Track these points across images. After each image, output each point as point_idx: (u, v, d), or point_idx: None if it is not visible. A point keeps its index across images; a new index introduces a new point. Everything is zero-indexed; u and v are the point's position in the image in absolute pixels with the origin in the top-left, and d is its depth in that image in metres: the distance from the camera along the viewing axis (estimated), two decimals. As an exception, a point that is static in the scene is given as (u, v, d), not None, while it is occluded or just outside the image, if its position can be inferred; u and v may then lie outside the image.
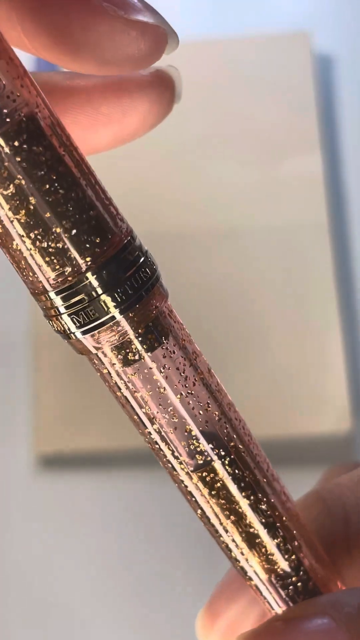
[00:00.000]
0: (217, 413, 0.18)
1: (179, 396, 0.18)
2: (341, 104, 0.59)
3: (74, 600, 0.49)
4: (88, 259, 0.16)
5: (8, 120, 0.14)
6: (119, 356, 0.17)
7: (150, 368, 0.17)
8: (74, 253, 0.16)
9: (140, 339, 0.17)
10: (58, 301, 0.16)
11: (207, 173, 0.56)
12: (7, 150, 0.14)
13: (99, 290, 0.16)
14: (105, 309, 0.16)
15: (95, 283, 0.16)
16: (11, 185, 0.15)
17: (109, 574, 0.50)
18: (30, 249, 0.16)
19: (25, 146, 0.15)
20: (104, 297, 0.16)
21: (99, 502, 0.51)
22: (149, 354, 0.17)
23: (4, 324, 0.55)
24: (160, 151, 0.55)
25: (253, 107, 0.57)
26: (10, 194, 0.15)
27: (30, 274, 0.16)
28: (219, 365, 0.57)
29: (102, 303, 0.16)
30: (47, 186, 0.15)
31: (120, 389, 0.18)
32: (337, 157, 0.58)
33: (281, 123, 0.56)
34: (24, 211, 0.15)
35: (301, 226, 0.54)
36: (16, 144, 0.14)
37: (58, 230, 0.15)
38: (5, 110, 0.14)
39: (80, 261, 0.16)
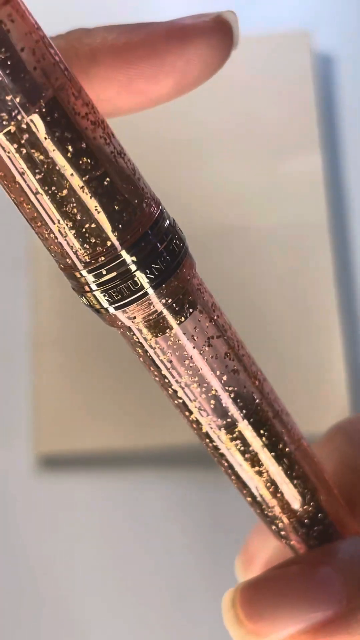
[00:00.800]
0: (241, 369, 0.19)
1: (208, 357, 0.18)
2: (341, 103, 0.59)
3: (74, 600, 0.49)
4: (123, 235, 0.16)
5: (42, 97, 0.14)
6: (150, 327, 0.17)
7: (183, 334, 0.17)
8: (108, 231, 0.15)
9: (171, 309, 0.17)
10: (90, 278, 0.16)
11: (207, 172, 0.56)
12: (43, 128, 0.14)
13: (133, 267, 0.16)
14: (140, 285, 0.16)
15: (129, 260, 0.16)
16: (46, 164, 0.14)
17: (109, 573, 0.50)
18: (64, 227, 0.15)
19: (59, 124, 0.14)
20: (138, 273, 0.16)
21: (98, 502, 0.51)
22: (179, 324, 0.17)
23: (4, 324, 0.55)
24: (160, 150, 0.55)
25: (253, 106, 0.57)
26: (45, 173, 0.15)
27: (62, 250, 0.16)
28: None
29: (137, 279, 0.16)
30: (82, 163, 0.15)
31: (151, 357, 0.18)
32: (337, 157, 0.58)
33: (281, 123, 0.56)
34: (59, 189, 0.15)
35: (301, 226, 0.54)
36: (50, 121, 0.14)
37: (93, 207, 0.15)
38: (38, 90, 0.14)
39: (115, 239, 0.15)
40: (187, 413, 0.19)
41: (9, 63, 0.13)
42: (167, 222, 0.17)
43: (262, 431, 0.19)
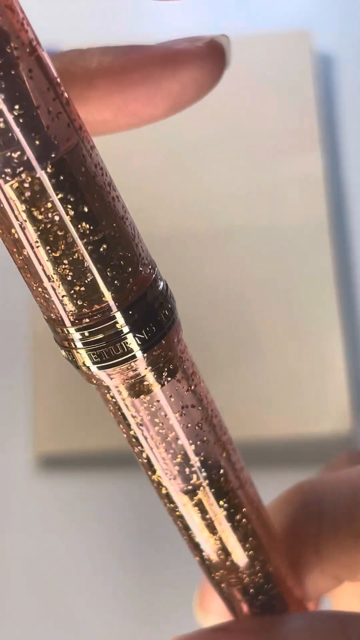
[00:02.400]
0: (212, 439, 0.19)
1: (180, 424, 0.18)
2: (341, 104, 0.59)
3: (74, 600, 0.49)
4: (117, 298, 0.15)
5: (51, 157, 0.14)
6: (129, 388, 0.17)
7: (159, 400, 0.17)
8: (103, 293, 0.15)
9: (154, 374, 0.17)
10: (77, 336, 0.16)
11: (206, 173, 0.56)
12: (46, 188, 0.14)
13: (125, 330, 0.16)
14: (128, 348, 0.16)
15: (122, 322, 0.16)
16: (44, 223, 0.14)
17: (109, 573, 0.50)
18: (56, 285, 0.15)
19: (63, 186, 0.14)
20: (129, 336, 0.16)
21: (98, 502, 0.51)
22: (160, 387, 0.17)
23: (3, 325, 0.55)
24: (159, 151, 0.55)
25: (253, 106, 0.57)
26: (43, 230, 0.14)
27: (51, 306, 0.16)
28: (219, 366, 0.57)
29: (126, 342, 0.16)
30: (85, 224, 0.14)
31: (124, 415, 0.18)
32: (337, 157, 0.58)
33: (281, 123, 0.56)
34: (55, 249, 0.14)
35: (301, 226, 0.54)
36: (55, 182, 0.14)
37: (88, 270, 0.15)
38: (47, 149, 0.14)
39: (110, 300, 0.15)
40: (149, 472, 0.19)
41: (21, 121, 0.13)
42: (161, 285, 0.17)
43: (222, 501, 0.19)
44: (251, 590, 0.21)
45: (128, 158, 0.53)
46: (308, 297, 0.53)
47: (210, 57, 0.18)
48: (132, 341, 0.16)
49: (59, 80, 0.14)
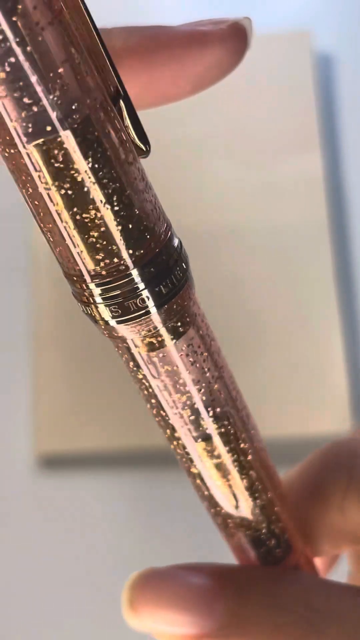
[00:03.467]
0: (223, 391, 0.20)
1: (192, 377, 0.18)
2: (341, 104, 0.59)
3: (74, 600, 0.49)
4: (136, 253, 0.16)
5: (77, 116, 0.14)
6: (145, 342, 0.17)
7: (172, 354, 0.18)
8: (122, 248, 0.16)
9: (169, 328, 0.17)
10: (96, 291, 0.16)
11: (206, 173, 0.56)
12: (73, 146, 0.14)
13: (141, 286, 0.16)
14: (144, 303, 0.16)
15: (138, 279, 0.16)
16: (69, 180, 0.15)
17: (109, 573, 0.50)
18: (78, 239, 0.15)
19: (90, 144, 0.14)
20: (145, 292, 0.16)
21: (98, 502, 0.51)
22: (174, 341, 0.18)
23: (4, 325, 0.55)
24: (159, 151, 0.55)
25: (253, 106, 0.57)
26: (68, 188, 0.15)
27: (71, 260, 0.16)
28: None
29: (143, 298, 0.16)
30: (106, 181, 0.15)
31: (140, 368, 0.18)
32: (337, 157, 0.58)
33: (281, 123, 0.56)
34: (79, 205, 0.15)
35: (301, 226, 0.54)
36: (81, 140, 0.14)
37: (111, 224, 0.15)
38: (74, 107, 0.14)
39: (128, 258, 0.16)
40: (163, 423, 0.20)
41: (44, 80, 0.13)
42: (176, 242, 0.17)
43: (232, 448, 0.20)
44: (259, 540, 0.22)
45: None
46: (308, 297, 0.53)
47: (232, 39, 0.19)
48: (147, 297, 0.16)
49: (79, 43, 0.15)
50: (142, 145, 0.16)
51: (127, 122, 0.16)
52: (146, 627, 0.22)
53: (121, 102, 0.16)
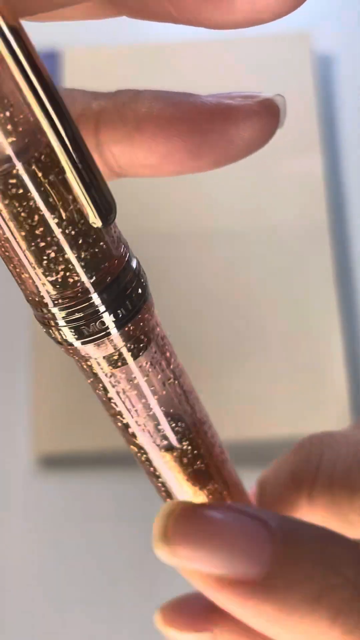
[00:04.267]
0: (184, 405, 0.20)
1: (152, 393, 0.19)
2: (341, 104, 0.59)
3: (74, 599, 0.49)
4: (93, 279, 0.16)
5: (34, 154, 0.14)
6: (106, 360, 0.18)
7: (133, 372, 0.19)
8: (82, 275, 0.16)
9: (128, 346, 0.18)
10: (59, 315, 0.17)
11: (206, 173, 0.56)
12: (28, 181, 0.15)
13: (101, 309, 0.17)
14: (105, 325, 0.17)
15: (98, 302, 0.17)
16: (27, 211, 0.15)
17: (109, 573, 0.50)
18: (39, 270, 0.16)
19: (44, 179, 0.15)
20: (105, 315, 0.17)
21: (98, 502, 0.51)
22: (134, 360, 0.18)
23: (3, 325, 0.55)
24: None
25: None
26: (22, 222, 0.15)
27: (32, 288, 0.16)
28: (218, 366, 0.57)
29: (103, 321, 0.17)
30: (62, 213, 0.15)
31: (104, 387, 0.19)
32: (337, 157, 0.58)
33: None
34: (39, 238, 0.15)
35: (301, 226, 0.54)
36: (38, 177, 0.15)
37: (68, 253, 0.16)
38: (26, 147, 0.14)
39: (87, 283, 0.16)
40: (129, 435, 0.21)
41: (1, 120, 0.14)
42: (134, 264, 0.17)
43: (195, 454, 0.21)
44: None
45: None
46: (308, 297, 0.53)
47: (262, 117, 0.18)
48: (107, 319, 0.17)
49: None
50: (95, 219, 0.16)
51: (78, 191, 0.15)
52: (177, 563, 0.20)
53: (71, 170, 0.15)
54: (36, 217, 0.15)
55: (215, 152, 0.18)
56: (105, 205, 0.16)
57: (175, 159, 0.17)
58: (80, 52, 0.59)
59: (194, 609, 0.24)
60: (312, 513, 0.23)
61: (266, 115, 0.18)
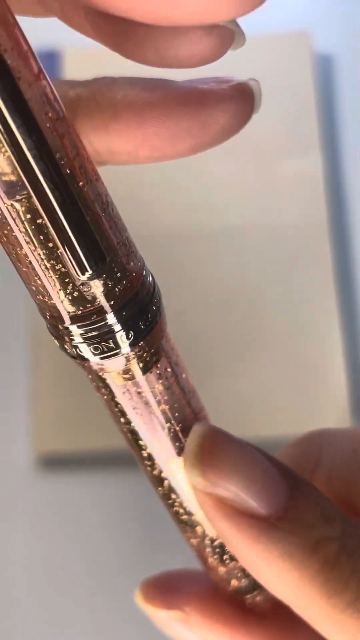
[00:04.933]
0: (189, 417, 0.21)
1: (161, 406, 0.20)
2: (341, 104, 0.59)
3: (74, 599, 0.49)
4: (111, 301, 0.16)
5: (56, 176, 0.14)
6: (118, 375, 0.18)
7: (141, 387, 0.19)
8: (98, 294, 0.16)
9: (140, 362, 0.18)
10: (75, 331, 0.17)
11: (207, 173, 0.56)
12: (52, 202, 0.15)
13: (116, 328, 0.17)
14: (119, 343, 0.17)
15: (113, 321, 0.17)
16: (45, 234, 0.15)
17: (109, 573, 0.50)
18: (57, 289, 0.16)
19: (65, 198, 0.15)
20: (119, 334, 0.17)
21: (98, 502, 0.51)
22: (145, 374, 0.19)
23: (3, 325, 0.55)
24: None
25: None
26: (44, 244, 0.15)
27: (50, 306, 0.17)
28: (218, 366, 0.57)
29: (117, 339, 0.17)
30: (83, 236, 0.15)
31: (114, 398, 0.19)
32: (337, 157, 0.58)
33: (281, 123, 0.56)
34: (56, 260, 0.15)
35: (301, 226, 0.54)
36: (58, 196, 0.15)
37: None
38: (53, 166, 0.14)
39: (104, 303, 0.16)
40: (137, 444, 0.21)
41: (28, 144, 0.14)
42: (149, 281, 0.17)
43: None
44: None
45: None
46: (308, 297, 0.53)
47: (236, 101, 0.18)
48: (122, 337, 0.17)
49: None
50: (85, 267, 0.15)
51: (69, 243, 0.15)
52: (206, 487, 0.21)
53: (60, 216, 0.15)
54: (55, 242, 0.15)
55: (190, 138, 0.18)
56: (92, 258, 0.15)
57: (151, 145, 0.17)
58: (80, 52, 0.59)
59: (170, 587, 0.25)
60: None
61: (240, 99, 0.18)
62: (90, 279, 0.16)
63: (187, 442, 0.20)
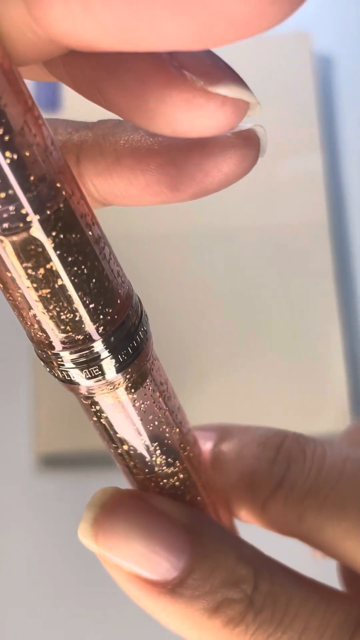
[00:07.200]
0: (175, 431, 0.21)
1: (147, 425, 0.20)
2: (341, 104, 0.59)
3: (75, 599, 0.50)
4: (100, 329, 0.17)
5: (48, 211, 0.14)
6: (104, 396, 0.19)
7: (127, 405, 0.19)
8: (88, 323, 0.16)
9: (126, 384, 0.18)
10: (65, 357, 0.17)
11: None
12: (42, 237, 0.15)
13: (104, 355, 0.17)
14: (107, 369, 0.18)
15: (101, 347, 0.17)
16: (40, 269, 0.15)
17: (109, 573, 0.50)
18: (46, 315, 0.16)
19: (59, 234, 0.15)
20: (107, 360, 0.17)
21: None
22: (130, 394, 0.19)
23: (3, 325, 0.55)
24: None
25: (253, 107, 0.57)
26: (37, 275, 0.15)
27: (40, 333, 0.17)
28: (218, 366, 0.57)
29: (105, 364, 0.17)
30: (73, 268, 0.15)
31: (100, 419, 0.20)
32: (337, 157, 0.58)
33: (281, 123, 0.56)
34: (47, 289, 0.16)
35: (301, 226, 0.54)
36: (52, 232, 0.15)
37: (76, 303, 0.16)
38: (45, 201, 0.14)
39: (92, 331, 0.17)
40: (126, 462, 0.22)
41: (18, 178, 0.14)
42: (135, 302, 0.18)
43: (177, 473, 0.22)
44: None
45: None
46: (308, 296, 0.53)
47: (240, 149, 0.17)
48: (109, 363, 0.17)
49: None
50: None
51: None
52: (103, 556, 0.22)
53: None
54: (45, 274, 0.15)
55: (192, 185, 0.17)
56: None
57: (153, 191, 0.17)
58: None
59: None
60: (260, 516, 0.23)
61: (245, 147, 0.18)
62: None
63: (85, 509, 0.22)
